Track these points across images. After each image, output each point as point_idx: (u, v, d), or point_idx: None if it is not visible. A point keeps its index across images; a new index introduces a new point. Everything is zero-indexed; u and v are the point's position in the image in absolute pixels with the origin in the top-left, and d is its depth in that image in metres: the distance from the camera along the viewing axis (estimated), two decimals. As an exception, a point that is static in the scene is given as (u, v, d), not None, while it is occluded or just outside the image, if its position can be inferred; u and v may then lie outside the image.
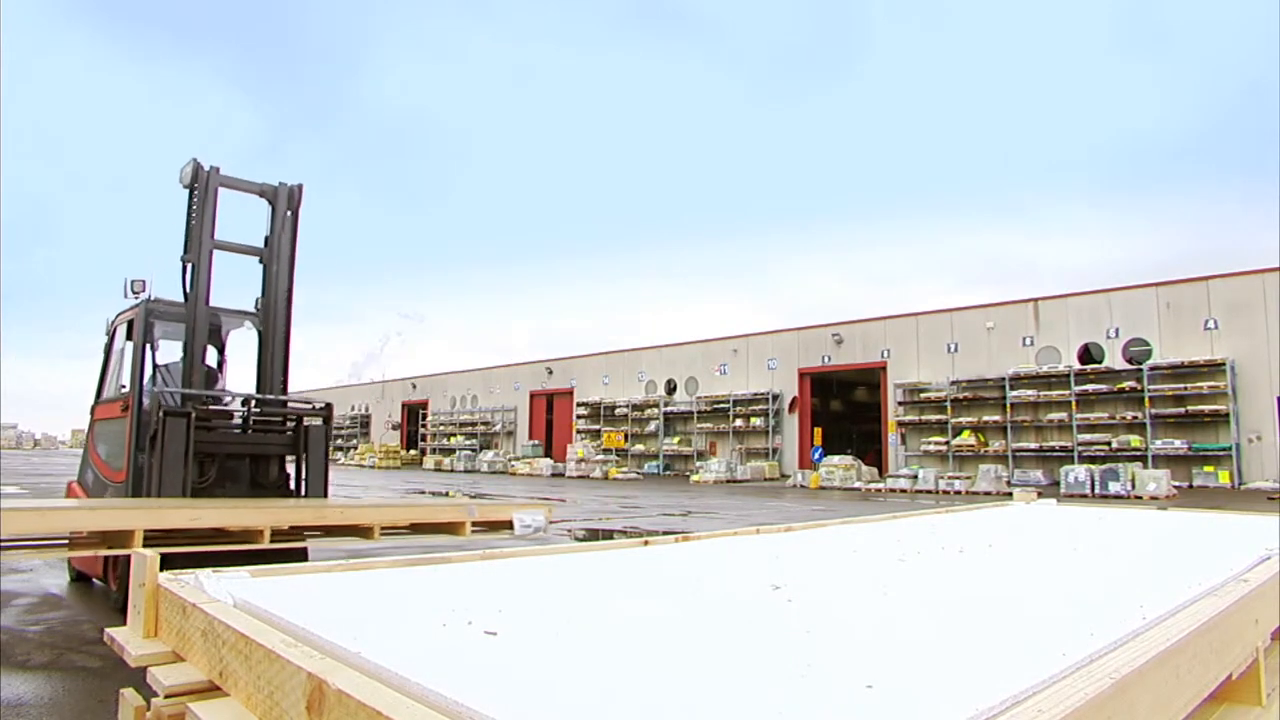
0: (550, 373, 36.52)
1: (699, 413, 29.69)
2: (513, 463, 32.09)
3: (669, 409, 30.80)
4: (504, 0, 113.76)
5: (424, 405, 43.75)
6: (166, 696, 1.32)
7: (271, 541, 3.98)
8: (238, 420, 5.11)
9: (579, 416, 34.03)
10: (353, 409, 49.36)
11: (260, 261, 5.34)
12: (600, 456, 29.15)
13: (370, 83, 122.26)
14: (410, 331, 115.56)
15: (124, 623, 1.61)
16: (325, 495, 5.14)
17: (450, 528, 4.71)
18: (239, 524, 3.96)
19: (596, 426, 32.65)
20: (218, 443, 4.85)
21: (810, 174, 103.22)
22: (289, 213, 5.35)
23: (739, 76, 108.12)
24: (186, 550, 3.73)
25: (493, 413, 38.71)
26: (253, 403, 5.11)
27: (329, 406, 5.33)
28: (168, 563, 1.69)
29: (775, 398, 27.86)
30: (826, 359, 27.14)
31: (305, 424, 5.12)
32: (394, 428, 45.33)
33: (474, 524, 4.72)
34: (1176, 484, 17.67)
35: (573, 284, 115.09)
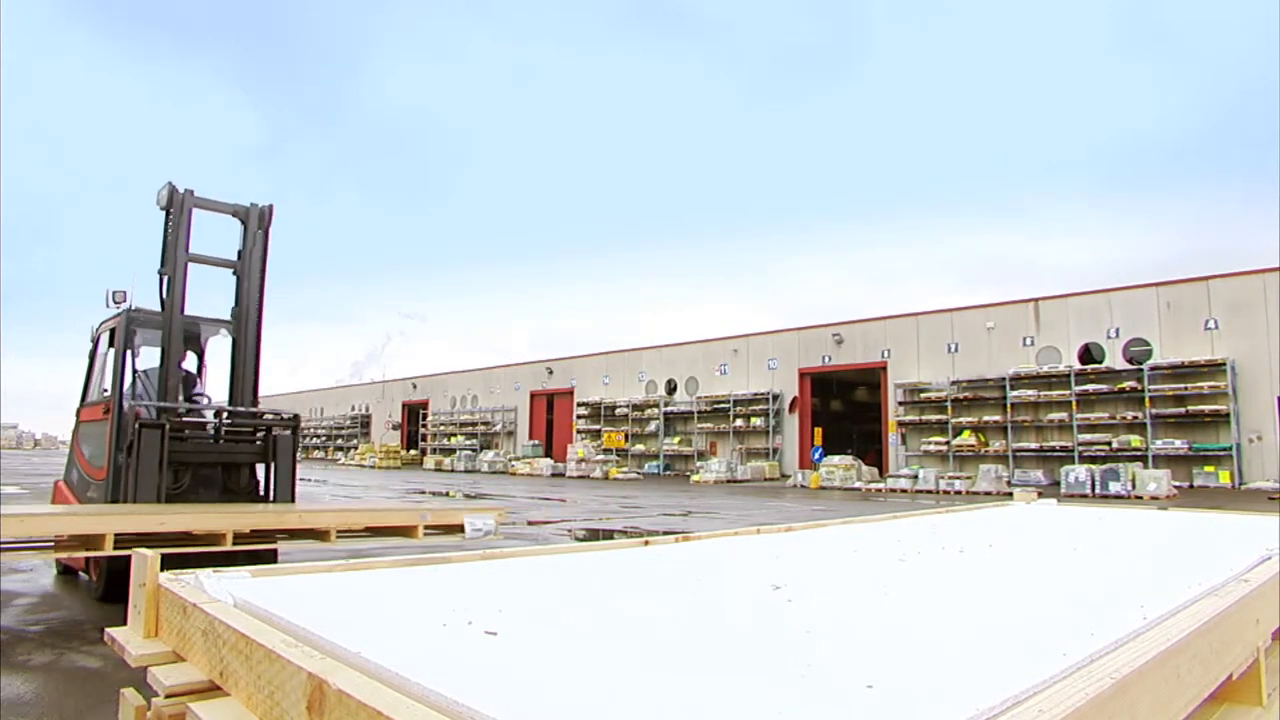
0: (550, 373, 36.52)
1: (699, 413, 29.68)
2: (513, 463, 32.08)
3: (669, 409, 30.80)
4: (504, 0, 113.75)
5: (424, 405, 43.76)
6: (167, 696, 1.32)
7: (237, 543, 4.21)
8: (210, 430, 5.35)
9: (579, 416, 34.03)
10: (353, 409, 49.37)
11: (234, 273, 5.62)
12: (600, 456, 29.15)
13: (370, 83, 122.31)
14: (411, 331, 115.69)
15: (114, 615, 1.61)
16: (293, 500, 5.39)
17: (404, 531, 4.94)
18: (203, 528, 4.19)
19: (597, 426, 32.65)
20: (191, 452, 5.12)
21: (810, 174, 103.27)
22: (260, 231, 5.64)
23: (739, 76, 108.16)
24: (160, 552, 3.86)
25: (493, 413, 38.71)
26: (224, 414, 5.40)
27: (296, 417, 5.63)
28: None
29: (775, 398, 27.86)
30: (827, 359, 27.13)
31: (274, 433, 5.40)
32: (394, 428, 45.34)
33: (426, 527, 4.93)
34: (1177, 484, 17.67)
35: (573, 284, 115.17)
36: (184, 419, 5.20)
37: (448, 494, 17.71)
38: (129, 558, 3.91)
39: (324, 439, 50.44)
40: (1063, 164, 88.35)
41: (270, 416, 5.55)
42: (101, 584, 4.88)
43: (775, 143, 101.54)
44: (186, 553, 3.99)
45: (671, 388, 31.60)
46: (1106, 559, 2.52)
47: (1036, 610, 1.63)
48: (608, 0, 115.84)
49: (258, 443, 5.39)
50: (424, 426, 43.12)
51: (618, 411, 32.40)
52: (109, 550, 3.86)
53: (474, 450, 35.63)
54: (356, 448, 42.72)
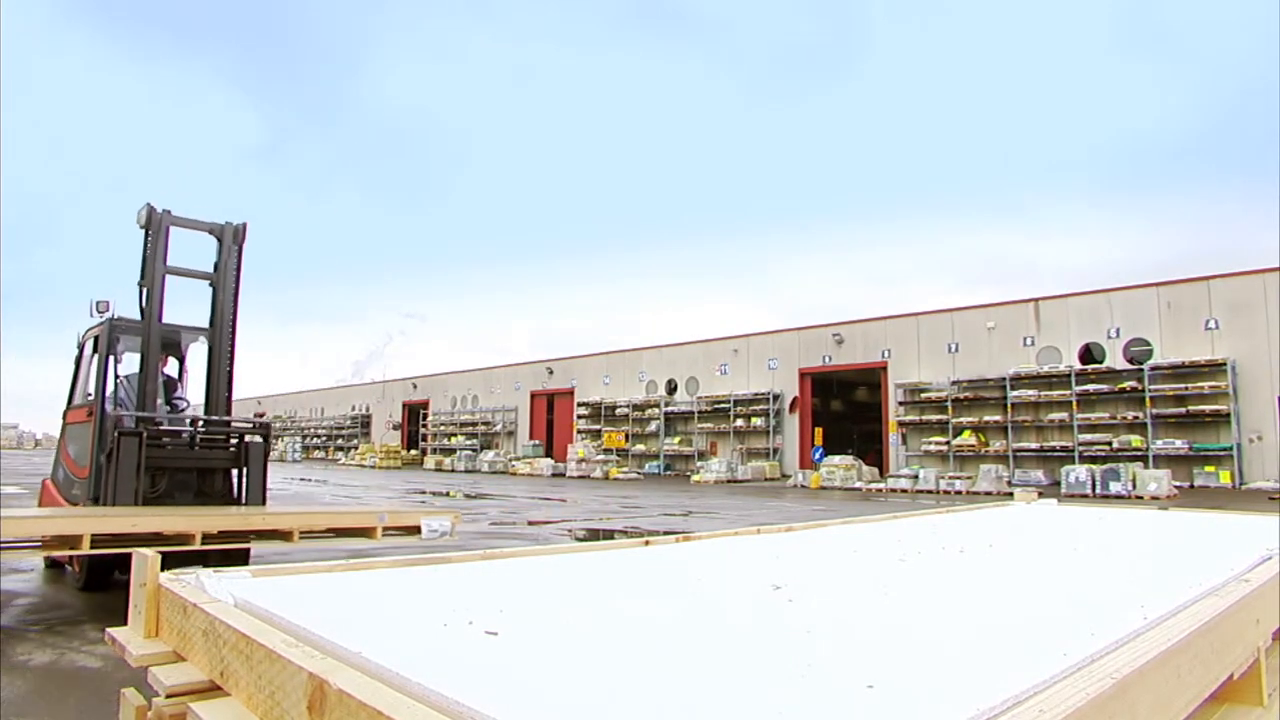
0: (551, 373, 36.52)
1: (699, 413, 29.68)
2: (513, 463, 32.08)
3: (670, 409, 30.80)
4: (504, 0, 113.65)
5: (425, 405, 43.76)
6: (168, 696, 1.33)
7: (206, 544, 4.49)
8: (186, 437, 5.66)
9: (580, 416, 34.03)
10: (353, 409, 49.37)
11: (210, 285, 5.93)
12: (601, 456, 29.15)
13: (370, 83, 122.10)
14: (412, 331, 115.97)
15: (113, 613, 1.63)
16: (264, 503, 5.69)
17: (364, 532, 5.26)
18: (172, 529, 4.47)
19: (597, 426, 32.65)
20: (168, 457, 5.46)
21: (810, 174, 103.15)
22: (234, 246, 5.93)
23: (739, 76, 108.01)
24: (130, 551, 4.14)
25: (493, 413, 38.71)
26: (200, 422, 5.74)
27: (267, 426, 6.02)
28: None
29: (776, 398, 27.85)
30: (827, 359, 27.13)
31: (246, 440, 5.72)
32: (395, 428, 45.34)
33: (385, 529, 5.24)
34: (1177, 484, 17.66)
35: (573, 284, 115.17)
36: (161, 428, 5.51)
37: (448, 494, 17.72)
38: (123, 539, 4.21)
39: (324, 439, 50.45)
40: (1063, 164, 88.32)
41: (242, 424, 5.88)
42: (83, 575, 5.28)
43: (775, 143, 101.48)
44: (160, 553, 4.15)
45: (672, 388, 31.60)
46: (1107, 559, 2.52)
47: (1037, 610, 1.63)
48: (608, 0, 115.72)
49: (231, 449, 5.71)
50: (424, 426, 43.12)
51: (618, 411, 32.41)
52: (86, 550, 4.14)
53: (474, 450, 35.64)
54: (357, 448, 42.73)
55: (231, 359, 5.89)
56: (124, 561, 5.03)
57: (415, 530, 5.30)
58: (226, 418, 5.82)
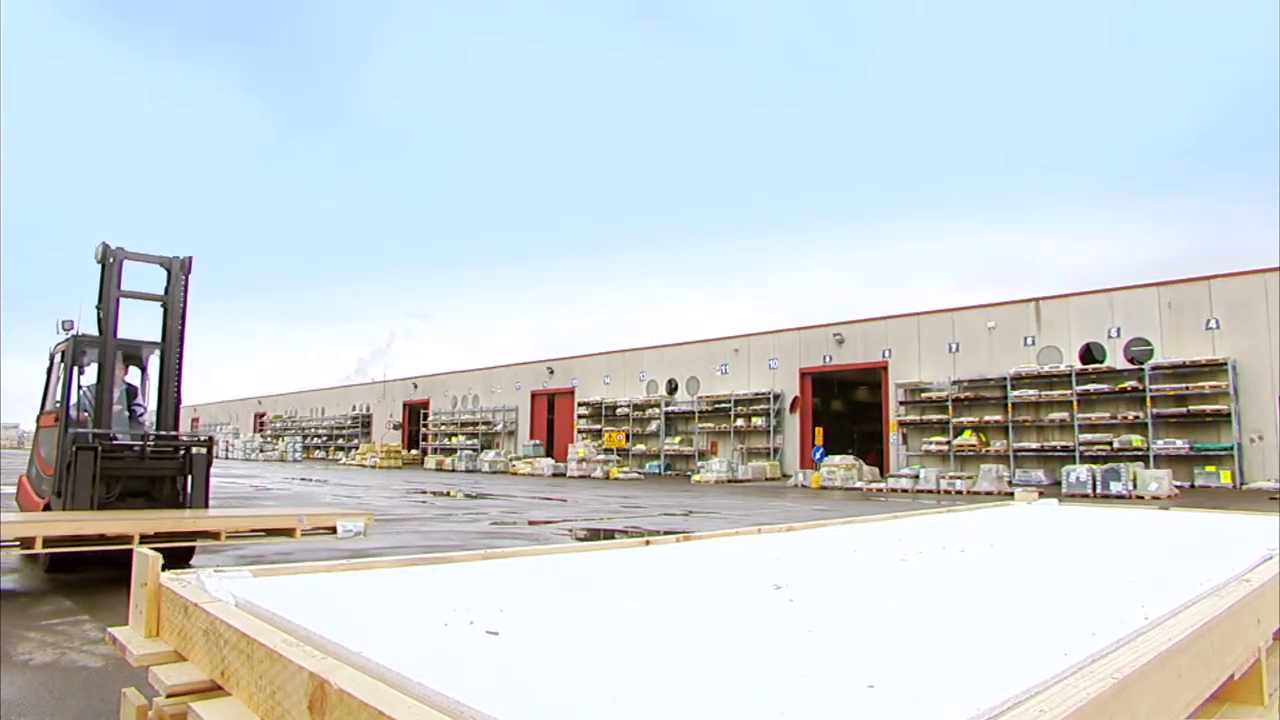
0: (551, 372, 36.53)
1: (700, 412, 29.68)
2: (514, 462, 32.08)
3: (670, 409, 30.79)
4: (504, 1, 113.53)
5: (425, 405, 43.77)
6: (168, 696, 1.33)
7: (143, 544, 4.79)
8: (137, 450, 6.24)
9: (580, 416, 34.03)
10: (354, 408, 49.37)
11: (163, 306, 6.58)
12: (601, 456, 29.15)
13: (371, 83, 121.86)
14: (415, 330, 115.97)
15: (114, 613, 1.63)
16: (206, 507, 6.40)
17: (285, 532, 5.78)
18: (113, 531, 4.96)
19: (598, 426, 32.66)
20: (122, 467, 6.11)
21: (810, 174, 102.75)
22: (182, 276, 6.54)
23: (740, 76, 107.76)
24: (95, 549, 5.01)
25: (494, 412, 38.72)
26: (150, 437, 6.37)
27: (210, 439, 6.76)
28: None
29: (776, 397, 27.85)
30: (828, 359, 27.13)
31: (192, 452, 6.39)
32: (395, 427, 45.36)
33: (304, 530, 5.74)
34: (1178, 484, 17.66)
35: (574, 284, 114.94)
36: (115, 442, 6.10)
37: (449, 494, 17.73)
38: (71, 540, 4.91)
39: (325, 439, 50.44)
40: (1063, 164, 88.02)
41: (187, 438, 6.55)
42: (47, 560, 5.85)
43: (776, 143, 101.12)
44: (108, 551, 5.00)
45: (672, 387, 31.60)
46: (1107, 559, 2.52)
47: (1037, 610, 1.63)
48: (608, 0, 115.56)
49: (178, 459, 6.36)
50: (425, 426, 43.12)
51: (619, 411, 32.40)
52: (40, 549, 4.76)
53: (475, 450, 35.64)
54: (358, 447, 42.73)
55: (179, 375, 6.56)
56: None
57: (332, 530, 5.81)
58: (174, 432, 6.52)
